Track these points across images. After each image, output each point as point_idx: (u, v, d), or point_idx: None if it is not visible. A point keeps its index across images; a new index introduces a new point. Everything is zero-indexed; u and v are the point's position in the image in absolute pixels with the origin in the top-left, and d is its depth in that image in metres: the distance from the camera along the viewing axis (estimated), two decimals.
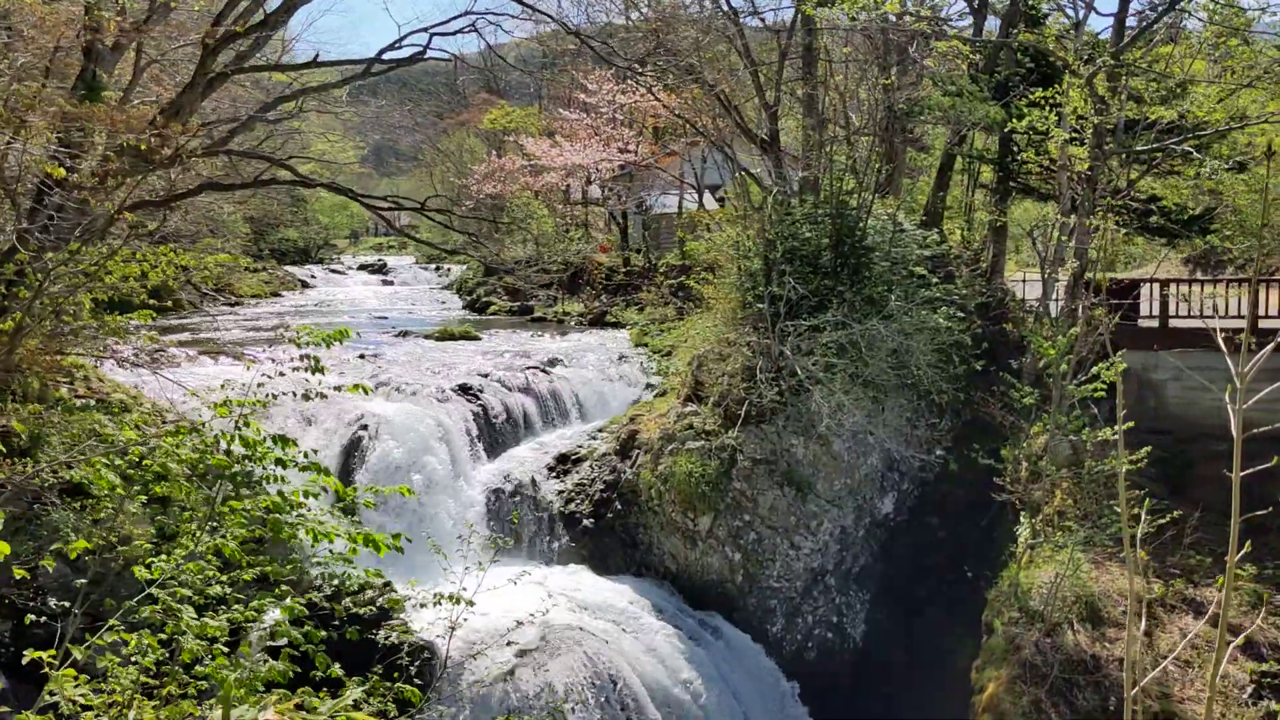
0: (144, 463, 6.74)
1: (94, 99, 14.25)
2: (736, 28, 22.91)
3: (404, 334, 29.56)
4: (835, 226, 20.34)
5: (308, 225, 66.73)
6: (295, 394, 9.71)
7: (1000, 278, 23.85)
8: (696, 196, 32.28)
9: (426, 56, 16.00)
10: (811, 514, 19.40)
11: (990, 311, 22.58)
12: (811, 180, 22.35)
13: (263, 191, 50.94)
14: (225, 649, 6.26)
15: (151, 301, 39.35)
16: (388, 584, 16.78)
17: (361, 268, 60.84)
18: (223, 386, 7.88)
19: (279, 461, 6.91)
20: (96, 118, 13.64)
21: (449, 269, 54.69)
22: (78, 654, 5.83)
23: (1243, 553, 4.10)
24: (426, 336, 28.40)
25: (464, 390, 21.51)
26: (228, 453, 6.85)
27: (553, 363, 24.16)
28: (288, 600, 6.46)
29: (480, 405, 21.27)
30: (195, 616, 5.92)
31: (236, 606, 6.40)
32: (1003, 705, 13.85)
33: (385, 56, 15.88)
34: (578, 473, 20.21)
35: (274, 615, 15.92)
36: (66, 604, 6.10)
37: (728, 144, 23.30)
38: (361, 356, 24.58)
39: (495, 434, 21.15)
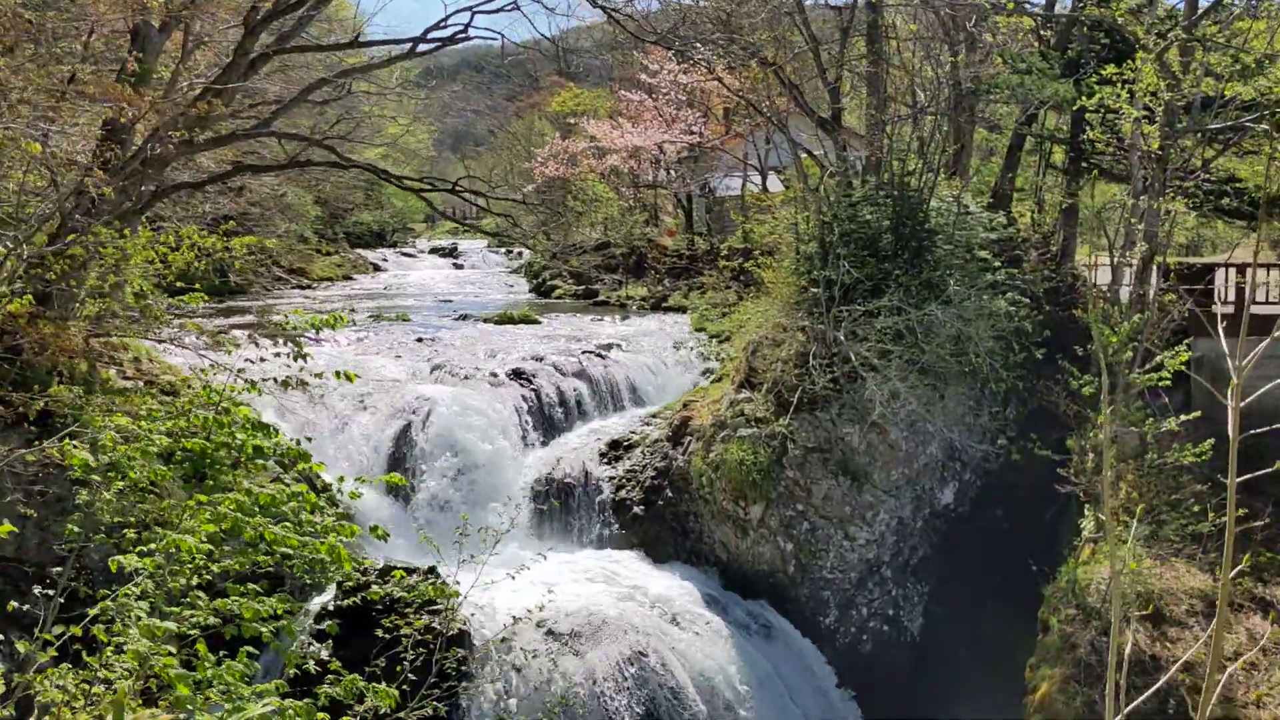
0: (119, 449, 6.56)
1: (141, 83, 14.27)
2: (798, 3, 22.36)
3: (464, 317, 29.55)
4: (895, 209, 19.78)
5: (381, 209, 67.29)
6: (277, 379, 9.51)
7: (1071, 261, 23.04)
8: (760, 178, 31.79)
9: (470, 36, 15.83)
10: (867, 504, 18.92)
11: (1060, 297, 21.84)
12: (874, 161, 21.78)
13: (336, 176, 51.45)
14: (176, 649, 5.99)
15: (221, 284, 40.03)
16: (432, 569, 16.72)
17: (433, 251, 61.22)
18: (207, 370, 7.69)
19: (258, 449, 6.69)
20: (139, 103, 13.64)
21: (519, 253, 54.72)
22: (48, 638, 5.72)
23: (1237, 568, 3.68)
24: (486, 320, 28.35)
25: (517, 375, 21.39)
26: (207, 438, 6.63)
27: (609, 347, 23.93)
28: (270, 598, 6.20)
29: (533, 390, 21.12)
30: (147, 613, 5.74)
31: (199, 602, 6.13)
32: (1055, 706, 13.33)
33: (431, 36, 15.70)
34: (629, 459, 19.97)
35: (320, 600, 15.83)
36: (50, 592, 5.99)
37: (786, 124, 22.79)
38: (420, 340, 24.59)
39: (548, 419, 21.00)
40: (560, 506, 19.41)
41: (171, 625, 5.58)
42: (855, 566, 18.88)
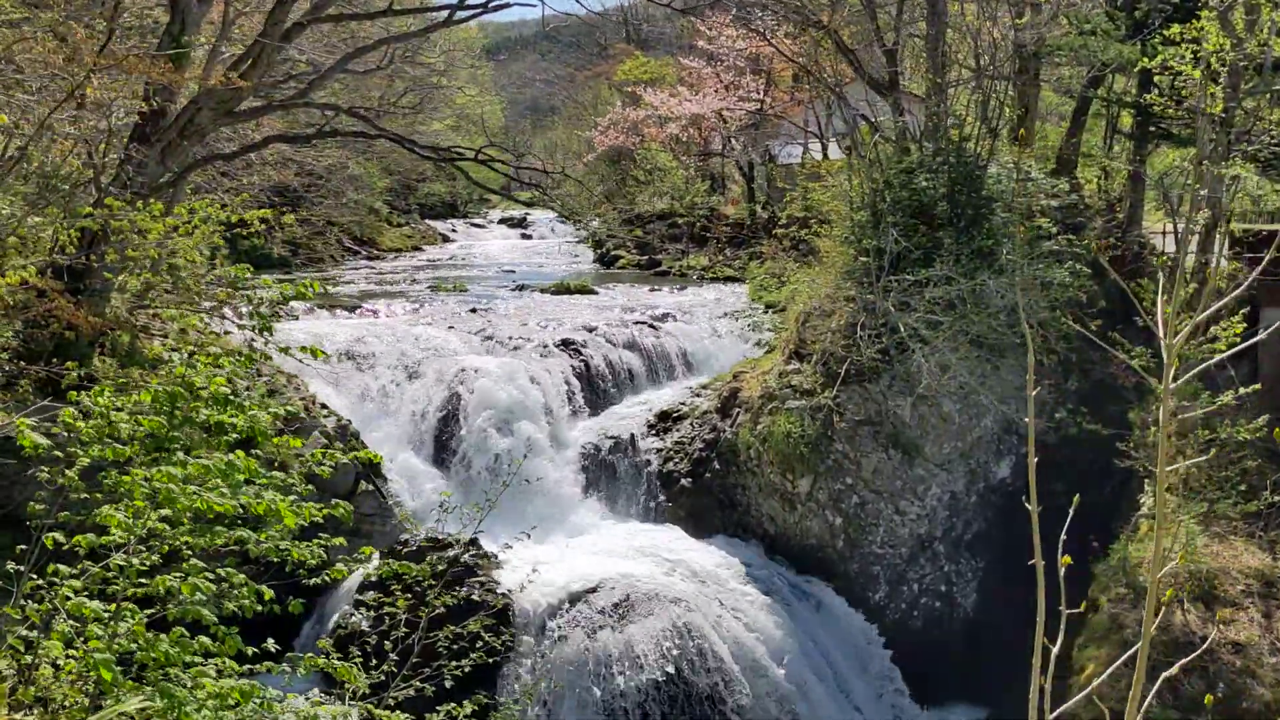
0: (79, 425, 6.51)
1: (179, 57, 14.36)
2: None
3: (520, 288, 29.57)
4: (951, 175, 19.28)
5: (454, 180, 67.61)
6: (242, 352, 9.39)
7: (1138, 229, 22.30)
8: (821, 146, 31.24)
9: (509, 3, 15.66)
10: (919, 478, 18.56)
11: (1125, 265, 21.17)
12: (931, 126, 21.25)
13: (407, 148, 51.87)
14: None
15: (289, 255, 40.43)
16: (474, 541, 16.77)
17: (503, 221, 61.38)
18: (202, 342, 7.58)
19: (219, 425, 6.61)
20: (178, 78, 13.74)
21: (589, 222, 54.72)
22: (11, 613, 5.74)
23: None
24: (542, 291, 28.33)
25: (566, 345, 21.32)
26: (171, 413, 6.56)
27: (663, 318, 23.74)
28: (208, 574, 6.09)
29: (582, 361, 21.04)
30: (74, 593, 5.68)
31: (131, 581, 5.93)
32: (1100, 688, 12.93)
33: (468, 2, 15.58)
34: (678, 431, 19.82)
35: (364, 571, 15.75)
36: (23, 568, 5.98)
37: (843, 90, 22.32)
38: (473, 310, 24.63)
39: (597, 390, 20.91)
40: (607, 478, 19.34)
41: (97, 604, 5.52)
42: (906, 541, 18.56)
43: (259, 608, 6.45)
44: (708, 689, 15.64)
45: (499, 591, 15.98)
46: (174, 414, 6.56)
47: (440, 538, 16.76)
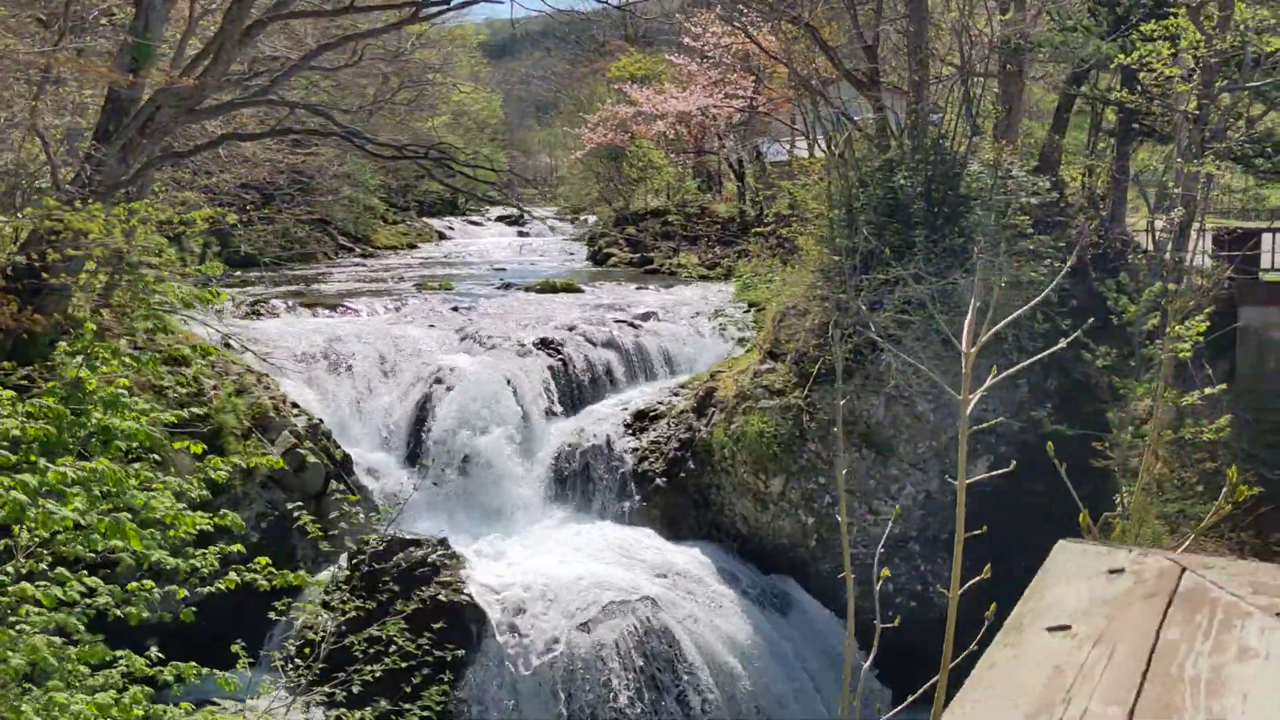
0: None
1: (143, 54, 14.30)
2: None
3: (506, 286, 29.49)
4: (926, 174, 19.15)
5: (453, 177, 67.45)
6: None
7: (1120, 226, 22.13)
8: (807, 143, 31.11)
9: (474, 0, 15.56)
10: (892, 478, 18.44)
11: (1107, 263, 21.02)
12: (912, 123, 21.11)
13: (407, 144, 51.84)
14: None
15: (282, 253, 40.35)
16: (443, 541, 16.71)
17: (500, 219, 61.28)
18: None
19: (108, 430, 6.49)
20: (131, 80, 13.69)
21: (585, 219, 54.54)
22: None
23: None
24: (528, 289, 28.24)
25: (545, 344, 21.24)
26: (62, 417, 6.44)
27: (646, 316, 23.64)
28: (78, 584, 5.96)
29: (560, 360, 20.96)
30: None
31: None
32: None
33: None
34: (654, 430, 19.74)
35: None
36: None
37: (822, 87, 22.20)
38: (455, 309, 24.57)
39: (576, 389, 20.83)
40: (581, 478, 19.26)
41: None
42: (879, 541, 18.44)
43: (145, 615, 6.34)
44: (676, 691, 15.56)
45: (465, 592, 15.90)
46: (63, 418, 6.41)
47: (409, 537, 16.70)
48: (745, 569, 18.02)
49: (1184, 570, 2.78)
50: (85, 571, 5.99)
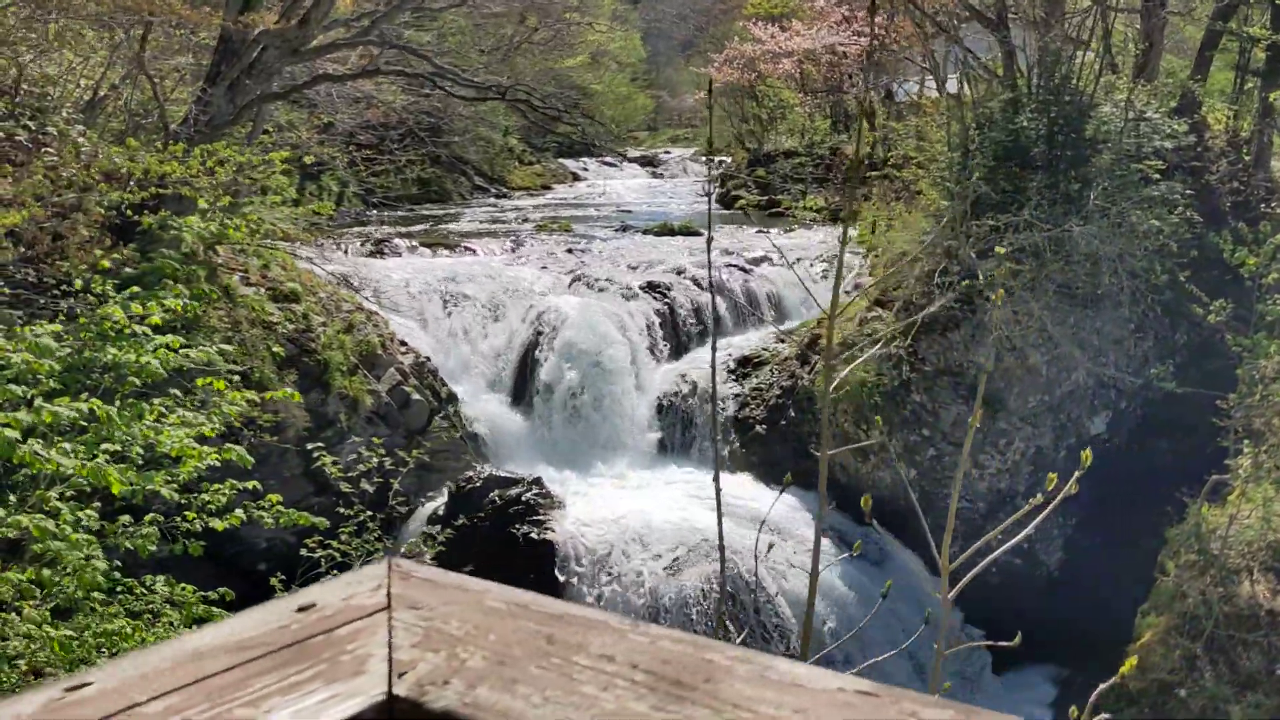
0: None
1: (250, 6, 14.63)
2: None
3: (624, 228, 29.43)
4: (1050, 115, 18.27)
5: (591, 118, 67.56)
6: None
7: (1265, 173, 20.77)
8: (936, 83, 29.90)
9: None
10: (1000, 431, 17.87)
11: (1249, 211, 19.83)
12: (1042, 62, 20.13)
13: (543, 88, 51.99)
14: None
15: (417, 192, 41.36)
16: (537, 480, 16.93)
17: (635, 160, 61.12)
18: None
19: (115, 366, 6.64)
20: (249, 24, 14.00)
21: (719, 162, 53.98)
22: None
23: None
24: (645, 231, 28.13)
25: (652, 288, 21.17)
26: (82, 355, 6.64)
27: (759, 260, 23.31)
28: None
29: (666, 304, 20.87)
30: None
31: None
32: (1152, 658, 12.33)
33: None
34: (757, 377, 19.55)
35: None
36: None
37: (951, 23, 21.33)
38: (569, 251, 24.66)
39: (680, 334, 20.73)
40: (682, 424, 19.22)
41: None
42: (984, 496, 17.95)
43: (151, 547, 6.56)
44: (760, 635, 15.52)
45: (555, 530, 16.11)
46: (83, 353, 6.62)
47: (505, 475, 16.98)
48: (842, 519, 17.76)
49: None
50: (98, 505, 6.23)
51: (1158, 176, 17.12)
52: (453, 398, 18.75)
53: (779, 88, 36.07)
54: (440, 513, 16.86)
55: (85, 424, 6.20)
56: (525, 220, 32.47)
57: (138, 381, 6.81)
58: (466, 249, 25.00)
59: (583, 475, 18.36)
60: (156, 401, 6.79)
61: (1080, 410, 18.44)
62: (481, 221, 32.83)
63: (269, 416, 14.51)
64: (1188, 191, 17.56)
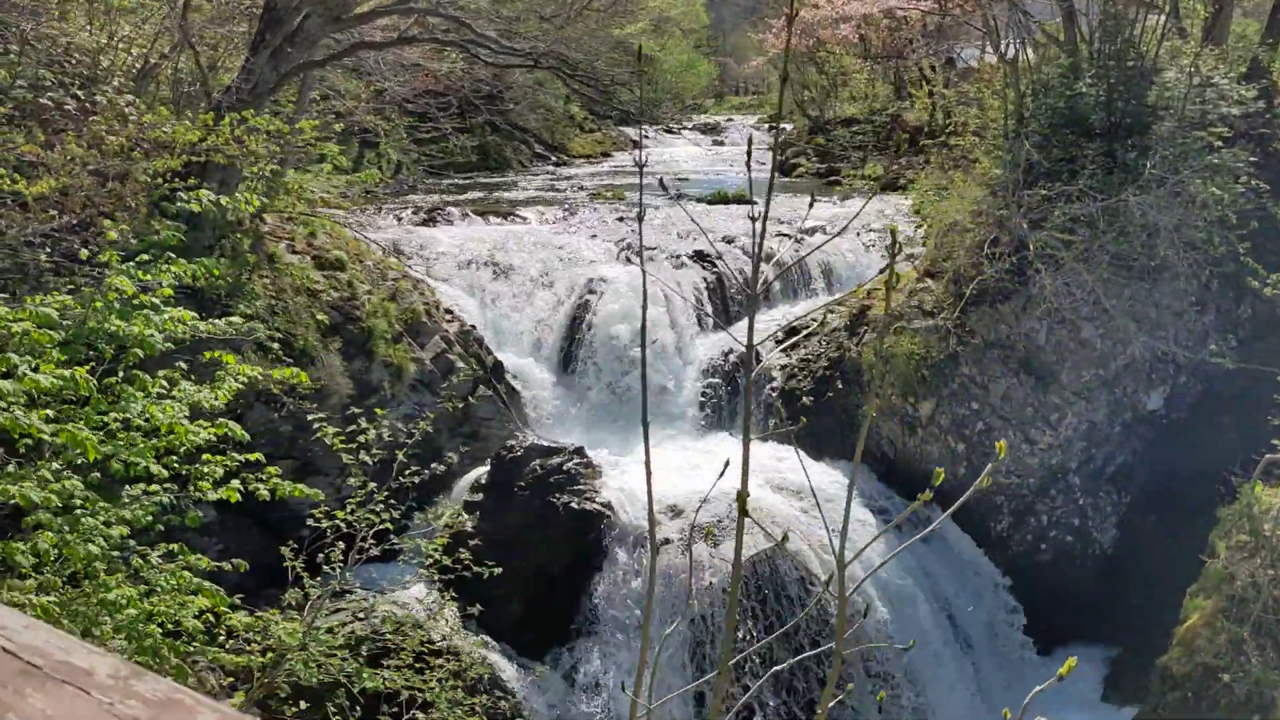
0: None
1: None
2: None
3: (678, 196, 29.20)
4: (1109, 81, 17.74)
5: (654, 85, 67.10)
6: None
7: None
8: (994, 48, 29.18)
9: None
10: (1053, 406, 17.49)
11: None
12: (1104, 26, 19.54)
13: (607, 54, 51.70)
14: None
15: (476, 160, 41.43)
16: (579, 449, 16.90)
17: (696, 128, 60.68)
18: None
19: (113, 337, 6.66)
20: None
21: (784, 129, 53.37)
22: None
23: None
24: (699, 199, 27.92)
25: (700, 257, 21.00)
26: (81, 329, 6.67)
27: (811, 230, 23.02)
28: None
29: (715, 273, 20.69)
30: None
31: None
32: (1197, 641, 12.01)
33: None
34: (805, 347, 19.32)
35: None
36: None
37: None
38: (620, 219, 24.53)
39: (728, 303, 20.57)
40: (727, 394, 19.09)
41: None
42: (1035, 472, 17.59)
43: (149, 518, 6.60)
44: (801, 607, 15.40)
45: (597, 501, 16.09)
46: (84, 325, 6.65)
47: (547, 445, 16.98)
48: (886, 493, 17.55)
49: None
50: (96, 476, 6.29)
51: (1220, 144, 16.54)
52: (498, 366, 18.78)
53: (839, 54, 35.49)
54: (483, 481, 16.93)
55: (88, 396, 6.25)
56: (581, 188, 32.39)
57: (140, 354, 6.83)
58: (518, 218, 24.98)
59: (626, 444, 18.31)
60: (162, 373, 6.84)
61: (1137, 385, 17.98)
62: (537, 189, 32.80)
63: (309, 384, 14.66)
64: (1252, 159, 16.94)
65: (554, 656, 15.53)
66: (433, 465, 10.95)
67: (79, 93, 14.48)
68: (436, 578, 13.89)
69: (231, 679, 8.34)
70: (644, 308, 3.44)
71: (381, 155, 30.73)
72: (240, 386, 7.77)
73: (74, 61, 15.31)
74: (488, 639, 15.47)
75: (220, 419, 7.36)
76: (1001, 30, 25.36)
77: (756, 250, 3.20)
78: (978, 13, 30.50)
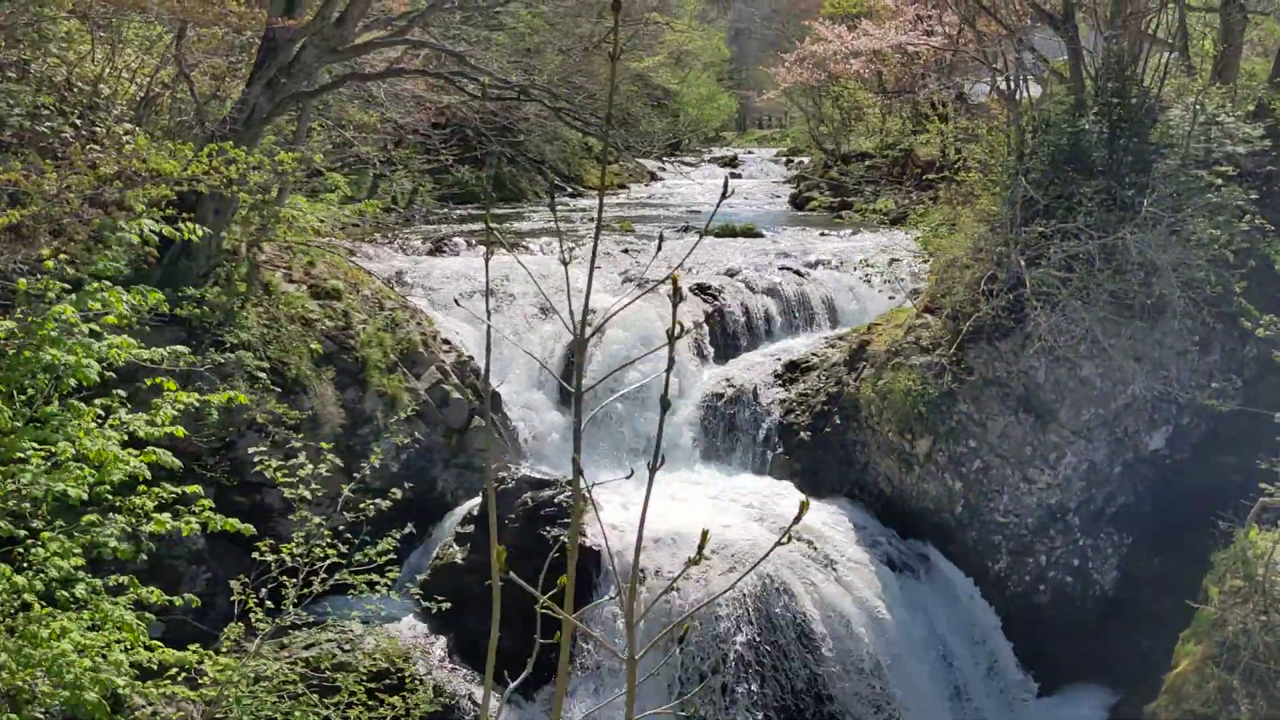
0: None
1: (292, 7, 14.79)
2: None
3: (686, 229, 29.24)
4: (1112, 119, 17.65)
5: (675, 118, 67.44)
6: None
7: None
8: (1005, 84, 29.15)
9: None
10: (1052, 445, 17.29)
11: None
12: (1107, 63, 19.47)
13: (624, 86, 51.95)
14: None
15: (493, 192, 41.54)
16: (570, 481, 16.80)
17: (713, 160, 60.81)
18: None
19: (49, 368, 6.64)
20: (292, 24, 14.16)
21: (800, 161, 53.47)
22: None
23: None
24: (707, 232, 27.87)
25: (702, 290, 20.96)
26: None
27: (814, 264, 22.96)
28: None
29: (716, 306, 20.64)
30: None
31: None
32: (1186, 687, 11.79)
33: None
34: (804, 382, 19.21)
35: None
36: None
37: (1020, 22, 20.76)
38: (625, 251, 24.56)
39: (729, 336, 20.50)
40: (724, 427, 18.98)
41: None
42: (1033, 511, 17.37)
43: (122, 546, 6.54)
44: (791, 655, 15.21)
45: (587, 535, 15.97)
46: (19, 354, 6.64)
47: (539, 476, 16.91)
48: (884, 531, 17.37)
49: None
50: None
51: (1220, 182, 16.40)
52: (496, 397, 18.74)
53: (854, 88, 35.55)
54: (474, 513, 16.87)
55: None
56: (590, 220, 32.45)
57: (73, 383, 6.80)
58: (524, 248, 25.03)
59: (618, 476, 18.19)
60: (98, 402, 6.80)
61: (1139, 424, 17.77)
62: (548, 221, 32.86)
63: (295, 414, 14.65)
64: (1252, 197, 16.78)
65: (546, 696, 15.36)
66: (392, 492, 10.79)
67: (77, 121, 14.63)
68: (423, 607, 13.93)
69: (180, 715, 8.25)
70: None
71: (395, 185, 30.90)
72: (175, 414, 7.70)
73: (75, 90, 15.48)
74: (477, 674, 15.39)
75: (149, 447, 7.31)
76: (1011, 67, 25.36)
77: (587, 292, 3.15)
78: (985, 49, 30.54)
